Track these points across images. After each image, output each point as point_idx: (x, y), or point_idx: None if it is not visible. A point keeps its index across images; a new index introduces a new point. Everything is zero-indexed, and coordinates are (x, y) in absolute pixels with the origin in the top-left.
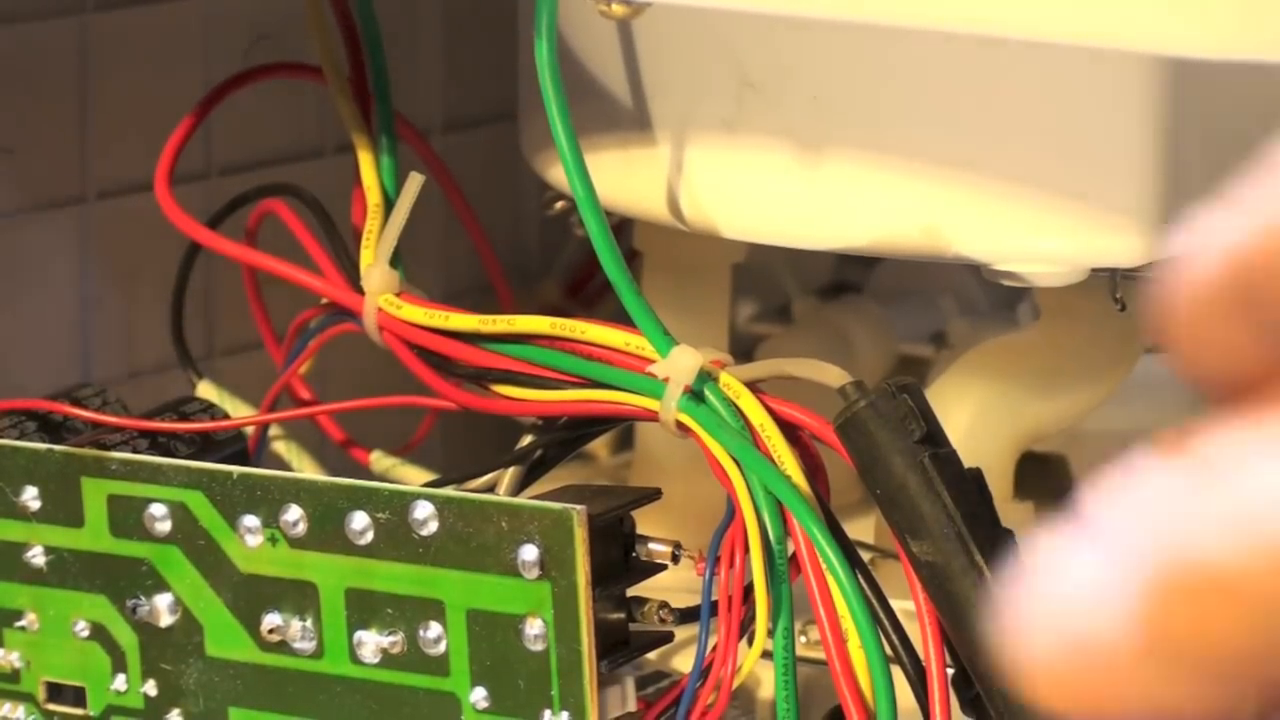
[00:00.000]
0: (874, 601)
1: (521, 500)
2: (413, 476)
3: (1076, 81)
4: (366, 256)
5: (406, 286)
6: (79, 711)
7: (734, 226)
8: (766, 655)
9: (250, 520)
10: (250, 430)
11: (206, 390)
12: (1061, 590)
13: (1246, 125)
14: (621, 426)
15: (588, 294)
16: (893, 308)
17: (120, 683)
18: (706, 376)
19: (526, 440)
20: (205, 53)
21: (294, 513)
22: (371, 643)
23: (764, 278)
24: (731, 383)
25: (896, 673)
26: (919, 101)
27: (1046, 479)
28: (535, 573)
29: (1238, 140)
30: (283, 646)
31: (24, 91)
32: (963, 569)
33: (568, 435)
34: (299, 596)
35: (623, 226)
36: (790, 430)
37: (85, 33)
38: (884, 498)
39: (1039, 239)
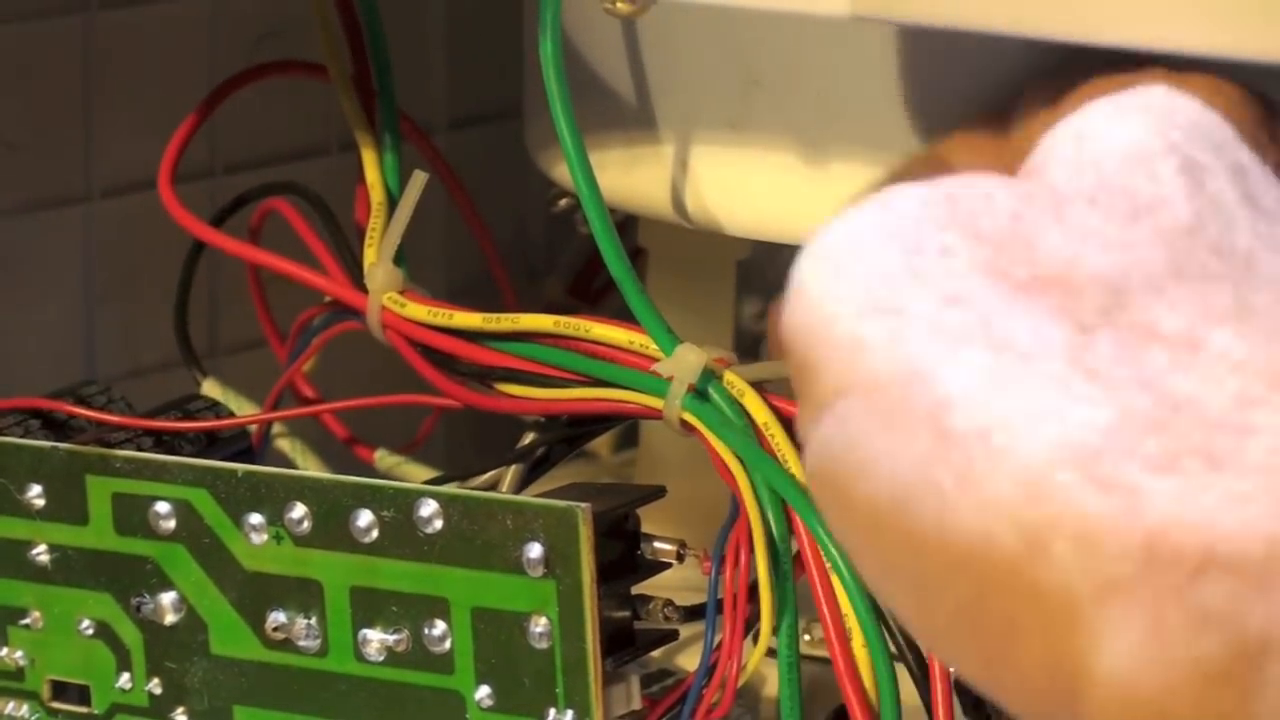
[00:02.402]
0: (877, 600)
1: (526, 498)
2: (417, 474)
3: None
4: (370, 255)
5: (410, 285)
6: (83, 710)
7: (738, 224)
8: (771, 653)
9: (255, 518)
10: (254, 428)
11: (210, 388)
12: None
13: None
14: (625, 425)
15: (592, 292)
16: None
17: (125, 681)
18: (711, 375)
19: (529, 438)
20: (209, 51)
21: (298, 510)
22: (376, 641)
23: (768, 275)
24: (736, 381)
25: (901, 671)
26: (924, 99)
27: None
28: (540, 571)
29: None
30: (287, 645)
31: (29, 89)
32: None
33: (571, 433)
34: (304, 594)
35: (627, 224)
36: (794, 428)
37: (90, 30)
38: None
39: None
